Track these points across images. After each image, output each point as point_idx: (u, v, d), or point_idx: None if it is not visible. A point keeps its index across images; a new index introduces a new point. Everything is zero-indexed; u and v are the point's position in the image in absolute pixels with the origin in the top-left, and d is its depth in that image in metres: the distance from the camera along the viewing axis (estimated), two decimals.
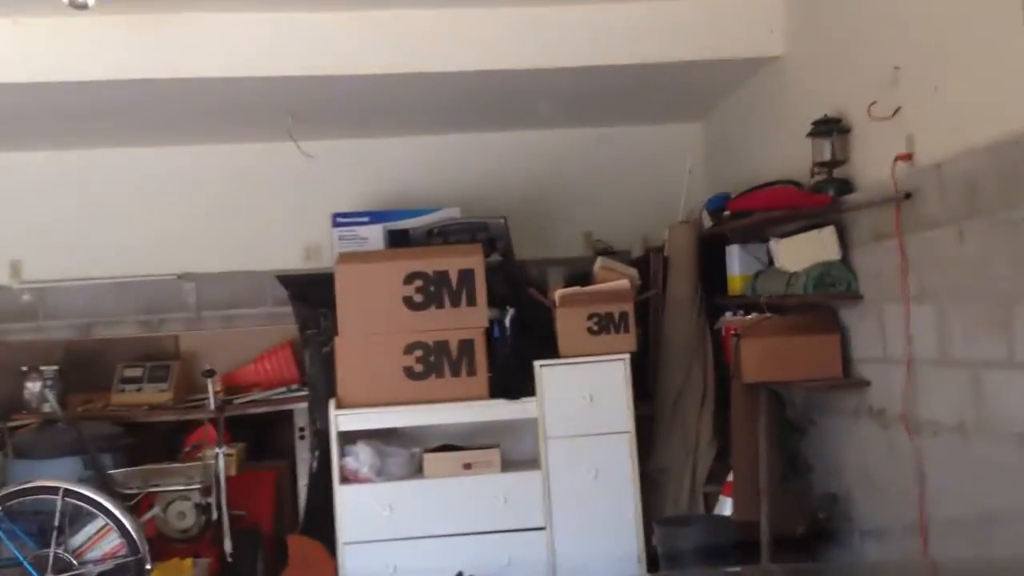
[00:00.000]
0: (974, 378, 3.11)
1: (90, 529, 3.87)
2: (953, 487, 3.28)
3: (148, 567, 3.83)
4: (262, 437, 5.19)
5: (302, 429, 4.98)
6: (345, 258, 4.45)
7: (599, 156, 5.74)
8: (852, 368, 3.92)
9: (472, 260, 4.30)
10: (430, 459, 4.26)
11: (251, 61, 4.27)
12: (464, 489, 4.20)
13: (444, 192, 5.45)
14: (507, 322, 4.32)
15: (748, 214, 4.26)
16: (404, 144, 5.64)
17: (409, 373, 4.23)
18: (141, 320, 5.50)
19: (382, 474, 4.21)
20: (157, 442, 4.97)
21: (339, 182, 5.54)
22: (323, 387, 4.56)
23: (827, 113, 3.96)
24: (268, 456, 5.15)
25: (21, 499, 3.88)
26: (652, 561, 4.16)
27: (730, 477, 4.27)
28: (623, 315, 4.30)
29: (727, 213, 4.49)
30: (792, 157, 4.27)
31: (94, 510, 3.83)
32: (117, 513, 3.83)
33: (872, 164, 3.72)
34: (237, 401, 5.03)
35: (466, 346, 4.23)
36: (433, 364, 4.23)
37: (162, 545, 4.25)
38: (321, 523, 4.38)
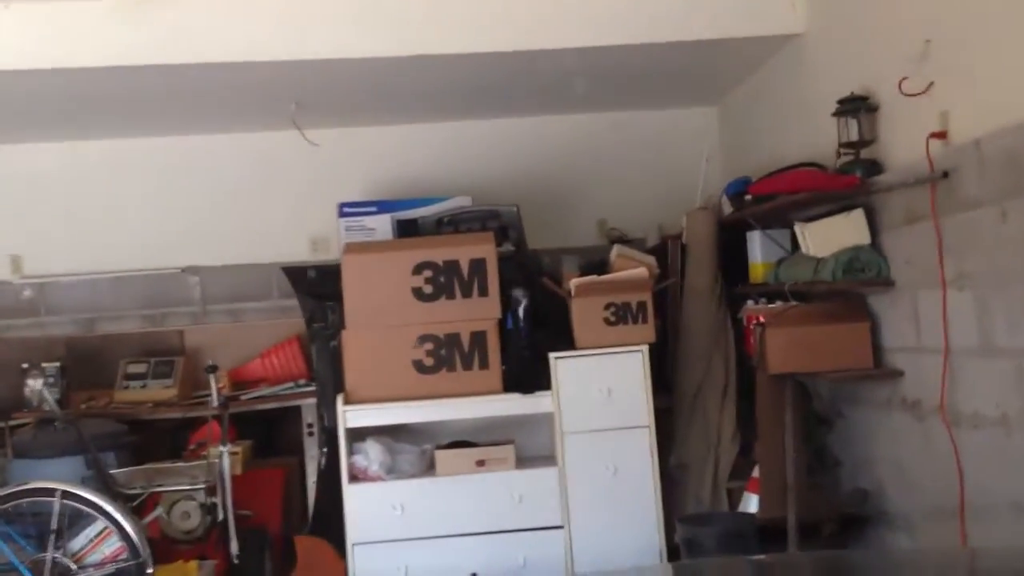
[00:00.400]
0: (1019, 368, 2.95)
1: (90, 532, 3.74)
2: (995, 483, 3.12)
3: (150, 571, 3.69)
4: (270, 434, 5.11)
5: (310, 425, 4.89)
6: (352, 248, 4.32)
7: (613, 142, 5.62)
8: (883, 358, 3.77)
9: (483, 249, 4.17)
10: (442, 456, 4.15)
11: (252, 45, 4.15)
12: (477, 487, 4.08)
13: (454, 180, 5.33)
14: (521, 313, 4.18)
15: (771, 198, 4.10)
16: (412, 131, 5.53)
17: (419, 367, 4.11)
18: (144, 315, 5.40)
19: (392, 472, 4.10)
20: (162, 440, 4.89)
21: (346, 171, 5.43)
22: (331, 382, 4.46)
23: (853, 91, 3.80)
24: (276, 453, 5.06)
25: (17, 501, 3.74)
26: (674, 560, 4.01)
27: (755, 472, 4.12)
28: (641, 305, 4.15)
29: (748, 198, 4.33)
30: (815, 139, 4.15)
31: (93, 512, 3.70)
32: (117, 515, 3.69)
33: (903, 143, 3.58)
34: (243, 397, 4.94)
35: (478, 338, 4.11)
36: (444, 357, 4.11)
37: (166, 546, 4.14)
38: (330, 523, 4.26)
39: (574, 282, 4.17)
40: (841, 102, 3.80)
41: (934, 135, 3.30)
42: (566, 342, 4.18)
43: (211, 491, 4.09)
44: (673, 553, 4.08)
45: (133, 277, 5.36)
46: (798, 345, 3.81)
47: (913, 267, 3.51)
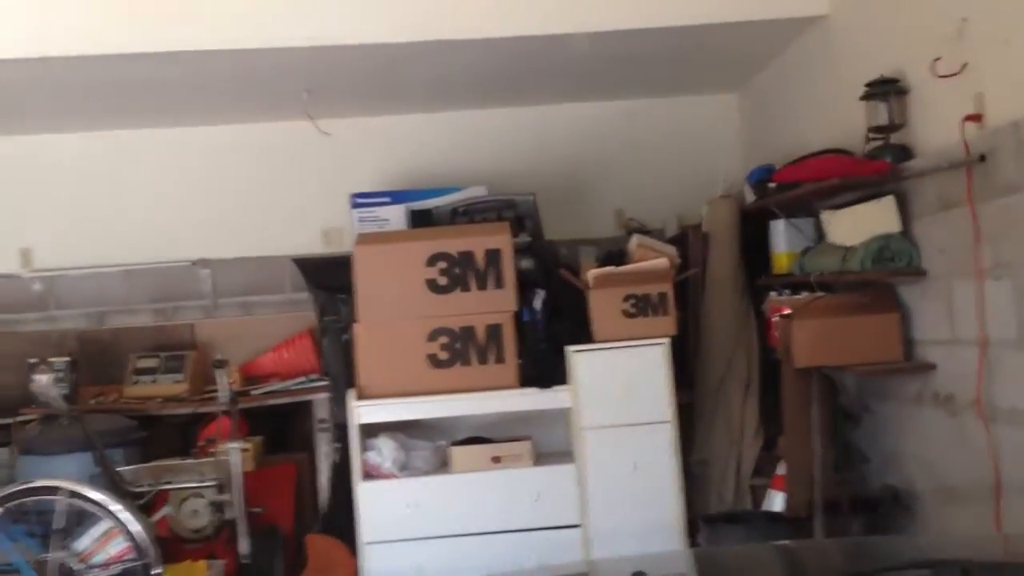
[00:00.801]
0: None
1: (95, 531, 3.66)
2: None
3: (156, 571, 3.60)
4: (282, 429, 5.05)
5: (323, 421, 4.81)
6: (364, 239, 4.22)
7: (630, 130, 5.51)
8: (914, 351, 3.64)
9: (499, 239, 4.07)
10: (457, 453, 4.06)
11: (262, 31, 4.04)
12: (493, 484, 3.99)
13: (469, 170, 5.23)
14: (537, 305, 4.07)
15: (796, 185, 3.97)
16: (426, 120, 5.43)
17: (433, 361, 4.02)
18: (155, 309, 5.32)
19: (406, 469, 4.02)
20: (172, 436, 4.83)
21: (359, 161, 5.35)
22: (343, 377, 4.39)
23: (882, 74, 3.67)
24: (288, 449, 4.99)
25: (22, 500, 3.66)
26: None
27: (779, 470, 3.99)
28: (662, 296, 4.04)
29: (772, 185, 4.20)
30: (841, 125, 4.03)
31: (99, 511, 3.61)
32: (123, 514, 3.61)
33: (935, 127, 3.46)
34: (254, 392, 4.87)
35: (494, 331, 4.01)
36: (459, 351, 4.01)
37: (175, 545, 4.08)
38: (342, 521, 4.18)
39: (592, 273, 4.06)
40: (870, 85, 3.68)
41: (969, 118, 3.18)
42: (584, 335, 4.08)
43: (221, 488, 4.03)
44: None
45: (143, 270, 5.29)
46: (825, 338, 3.68)
47: (947, 256, 3.38)
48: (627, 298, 4.04)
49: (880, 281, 3.72)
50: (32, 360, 4.71)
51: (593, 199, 5.43)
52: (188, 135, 5.34)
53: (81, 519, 3.68)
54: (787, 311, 3.85)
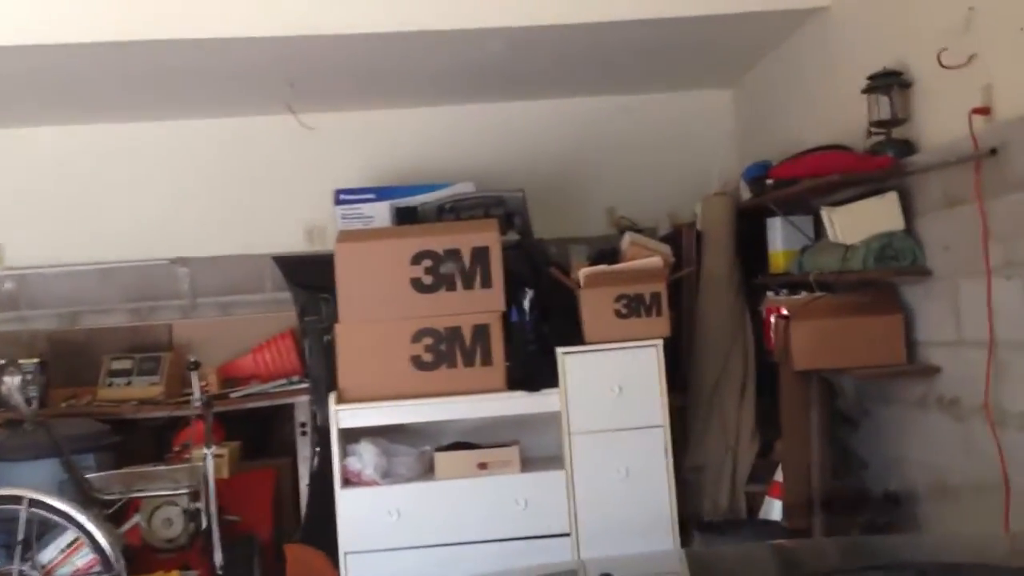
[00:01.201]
0: None
1: (61, 542, 3.49)
2: None
3: None
4: (262, 433, 4.94)
5: (303, 425, 4.69)
6: (346, 236, 4.07)
7: (621, 127, 5.43)
8: (917, 353, 3.53)
9: (487, 237, 3.92)
10: (441, 459, 3.91)
11: (243, 20, 3.92)
12: (479, 492, 3.85)
13: (456, 166, 5.14)
14: (526, 305, 3.94)
15: (795, 182, 3.85)
16: (412, 115, 5.34)
17: (417, 363, 3.87)
18: (131, 308, 5.20)
19: (388, 476, 3.86)
20: (148, 441, 4.70)
21: (342, 157, 5.26)
22: (324, 379, 4.24)
23: (885, 66, 3.56)
24: (268, 454, 4.88)
25: None
26: None
27: (777, 476, 3.85)
28: (655, 296, 3.89)
29: (770, 182, 4.07)
30: (840, 120, 3.93)
31: (63, 522, 3.44)
32: (89, 525, 3.44)
33: (940, 121, 3.35)
34: (233, 395, 4.76)
35: (481, 332, 3.86)
36: (444, 353, 3.87)
37: (148, 555, 3.90)
38: (323, 529, 4.01)
39: (584, 272, 3.92)
40: (872, 77, 3.57)
41: (976, 111, 3.07)
42: (575, 336, 3.94)
43: (195, 496, 3.86)
44: None
45: (119, 269, 5.17)
46: (825, 339, 3.56)
47: (953, 254, 3.26)
48: (619, 298, 3.90)
49: (882, 281, 3.60)
50: (1, 361, 4.54)
51: (584, 197, 5.35)
52: (166, 129, 5.23)
53: (46, 529, 3.52)
54: (785, 312, 3.72)
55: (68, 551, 3.49)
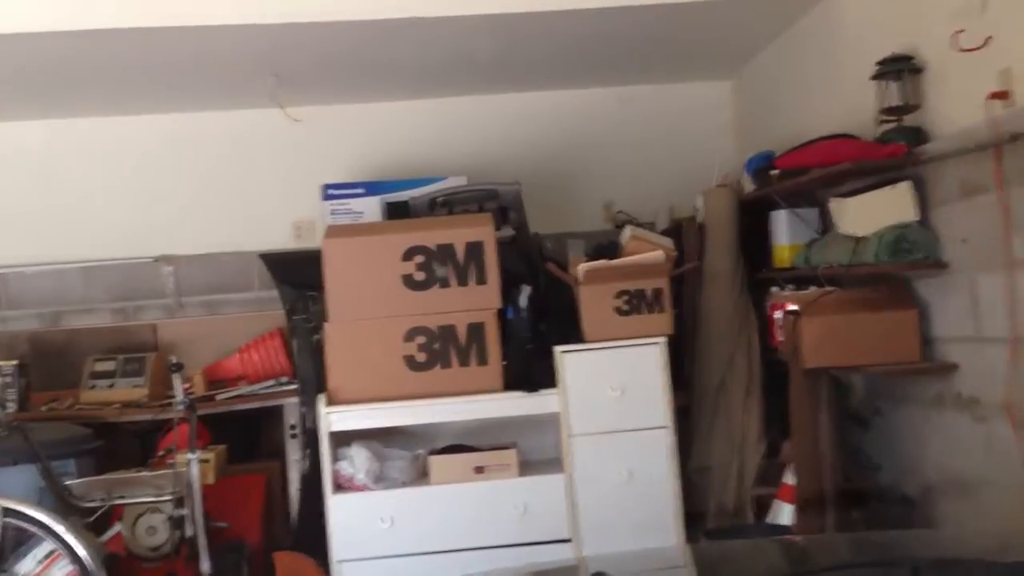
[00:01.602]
0: None
1: (38, 553, 3.36)
2: None
3: None
4: (250, 436, 4.85)
5: (293, 427, 4.61)
6: (334, 231, 3.94)
7: (619, 119, 5.34)
8: (933, 349, 3.41)
9: (481, 231, 3.79)
10: (436, 463, 3.80)
11: (224, 6, 3.80)
12: (476, 497, 3.74)
13: (449, 160, 5.04)
14: (523, 302, 3.81)
15: (801, 172, 3.72)
16: (403, 107, 5.24)
17: (410, 363, 3.75)
18: (114, 308, 5.11)
19: (380, 480, 3.74)
20: (132, 445, 4.59)
21: (331, 150, 5.16)
22: (313, 380, 4.14)
23: (895, 51, 3.43)
24: (257, 457, 4.78)
25: None
26: None
27: (786, 478, 3.72)
28: (657, 292, 3.77)
29: (774, 173, 3.94)
30: (847, 108, 3.82)
31: (39, 532, 3.30)
32: (66, 535, 3.30)
33: (954, 107, 3.24)
34: (220, 397, 4.64)
35: (476, 331, 3.74)
36: (438, 352, 3.75)
37: (131, 564, 3.80)
38: (314, 536, 3.88)
39: (583, 267, 3.79)
40: (882, 63, 3.45)
41: (995, 95, 2.94)
42: (574, 334, 3.83)
43: (180, 503, 3.74)
44: None
45: (102, 267, 5.07)
46: (836, 336, 3.44)
47: (971, 246, 3.14)
48: (620, 294, 3.78)
49: (895, 275, 3.48)
50: None
51: (581, 190, 5.27)
52: (150, 123, 5.13)
53: (23, 539, 3.38)
54: (793, 307, 3.59)
55: (46, 562, 3.36)
